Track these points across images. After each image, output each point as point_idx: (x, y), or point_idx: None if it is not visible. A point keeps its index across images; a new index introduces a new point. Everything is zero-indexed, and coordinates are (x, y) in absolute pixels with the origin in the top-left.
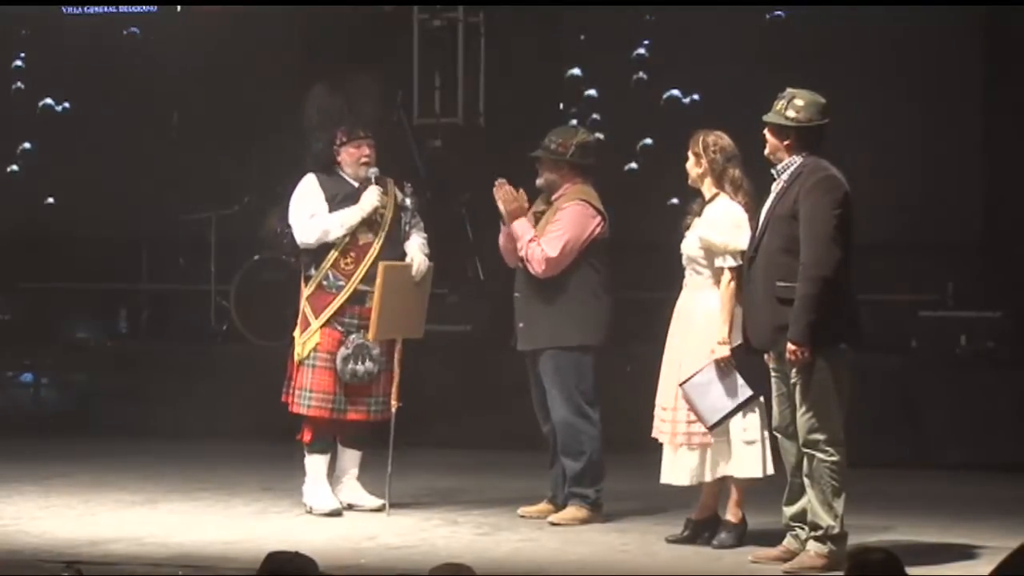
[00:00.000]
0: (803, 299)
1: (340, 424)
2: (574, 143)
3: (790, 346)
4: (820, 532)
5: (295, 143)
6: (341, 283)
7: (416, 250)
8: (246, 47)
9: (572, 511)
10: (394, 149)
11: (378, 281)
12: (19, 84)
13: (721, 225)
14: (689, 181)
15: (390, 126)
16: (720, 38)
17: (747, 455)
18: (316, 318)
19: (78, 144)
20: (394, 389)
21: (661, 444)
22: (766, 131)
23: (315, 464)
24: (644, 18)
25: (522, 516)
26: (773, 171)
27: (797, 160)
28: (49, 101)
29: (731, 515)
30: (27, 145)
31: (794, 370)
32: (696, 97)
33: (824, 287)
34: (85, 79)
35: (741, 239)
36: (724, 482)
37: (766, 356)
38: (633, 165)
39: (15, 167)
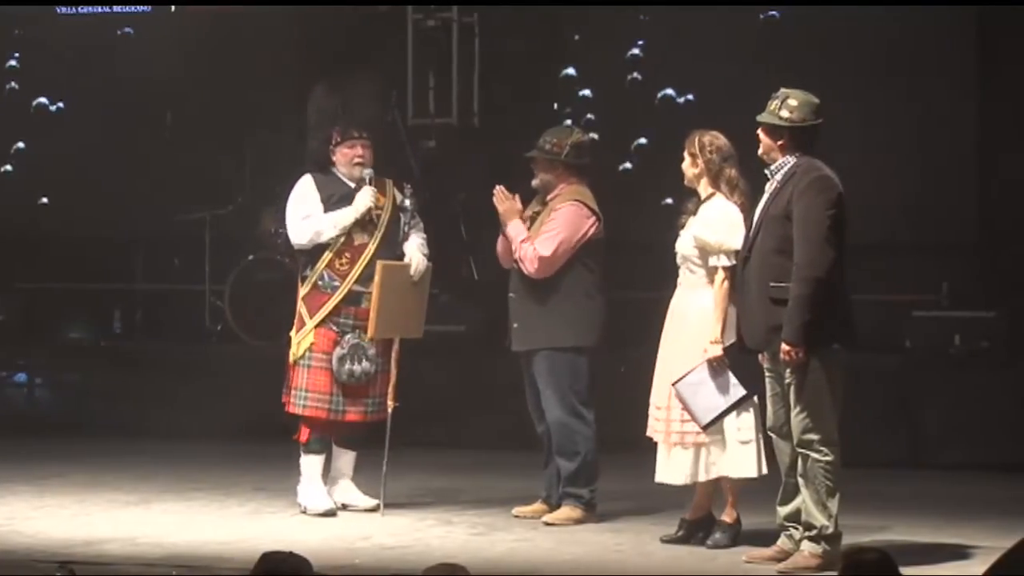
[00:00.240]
0: (797, 299)
1: (337, 424)
2: (569, 143)
3: (784, 346)
4: (814, 532)
5: (290, 143)
6: (336, 283)
7: (415, 250)
8: (240, 47)
9: (566, 511)
10: (389, 149)
11: (376, 280)
12: (13, 84)
13: (716, 224)
14: (685, 181)
15: (385, 127)
16: (714, 38)
17: (742, 455)
18: (311, 318)
19: (72, 144)
20: (391, 389)
21: (655, 443)
22: (760, 131)
23: (311, 464)
24: (639, 18)
25: (517, 516)
26: (767, 171)
27: (791, 160)
28: (43, 101)
29: (726, 515)
30: (21, 145)
31: (788, 370)
32: (690, 97)
33: (818, 287)
34: (79, 79)
35: (736, 239)
36: (718, 482)
37: (760, 356)
38: (628, 165)
39: (9, 167)
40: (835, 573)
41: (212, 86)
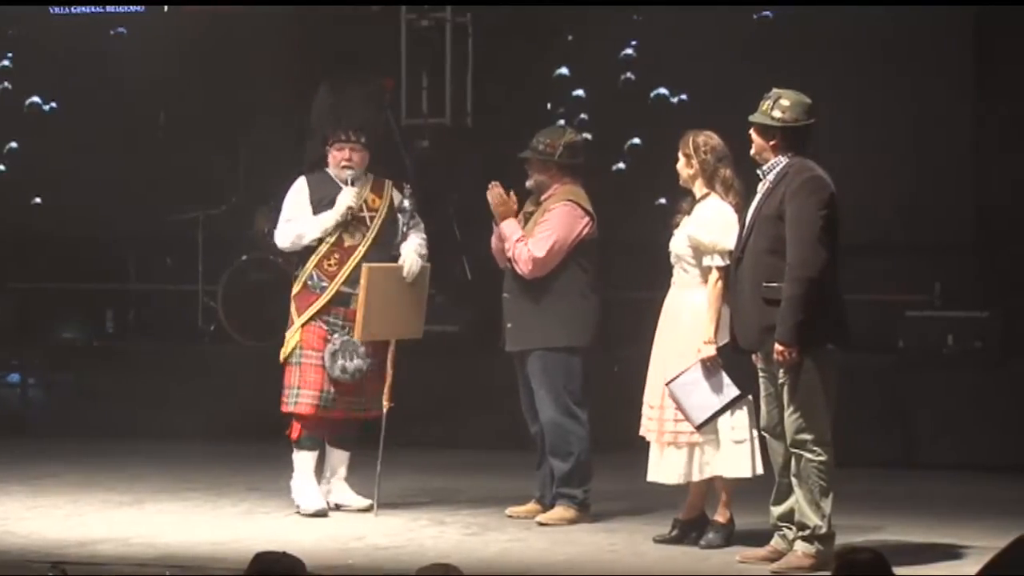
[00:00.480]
0: (790, 300)
1: (328, 422)
2: (562, 143)
3: (777, 347)
4: (808, 532)
5: (283, 143)
6: (324, 284)
7: (410, 251)
8: (233, 47)
9: (560, 511)
10: (382, 150)
11: (361, 283)
12: (6, 84)
13: (710, 224)
14: (680, 182)
15: (379, 130)
16: (708, 38)
17: (736, 455)
18: (300, 316)
19: (65, 144)
20: (386, 389)
21: (648, 443)
22: (752, 131)
23: (302, 461)
24: (632, 18)
25: (510, 516)
26: (759, 171)
27: (783, 160)
28: (36, 100)
29: (719, 515)
30: (14, 145)
31: (781, 370)
32: (684, 97)
33: (810, 288)
34: (72, 79)
35: (730, 239)
36: (712, 482)
37: (754, 356)
38: (621, 165)
39: (2, 167)
40: (828, 573)
41: (205, 86)
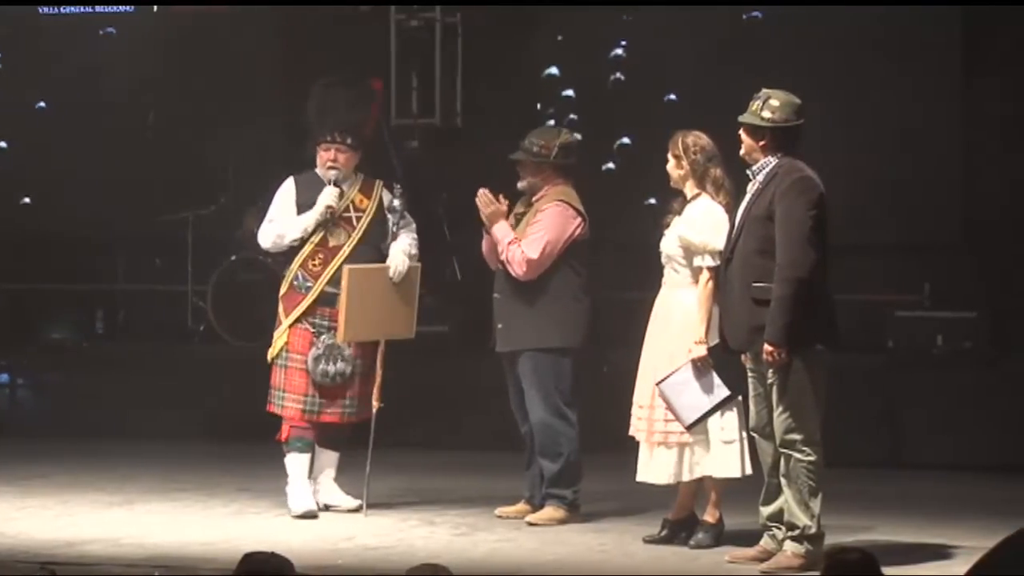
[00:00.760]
0: (779, 300)
1: (317, 425)
2: (557, 144)
3: (767, 347)
4: (797, 532)
5: (273, 143)
6: (309, 284)
7: (397, 251)
8: (222, 47)
9: (550, 511)
10: (371, 150)
11: (343, 284)
12: None
13: (701, 224)
14: (671, 183)
15: (366, 131)
16: (697, 38)
17: (726, 455)
18: (286, 317)
19: (54, 144)
20: (376, 390)
21: (638, 443)
22: (742, 131)
23: (292, 463)
24: (621, 18)
25: (499, 516)
26: (748, 172)
27: (772, 161)
28: (25, 100)
29: (708, 515)
30: (3, 144)
31: (771, 371)
32: (673, 97)
33: (800, 288)
34: (61, 79)
35: (720, 239)
36: (701, 482)
37: (743, 357)
38: (610, 165)
39: None
40: (818, 573)
41: (194, 86)
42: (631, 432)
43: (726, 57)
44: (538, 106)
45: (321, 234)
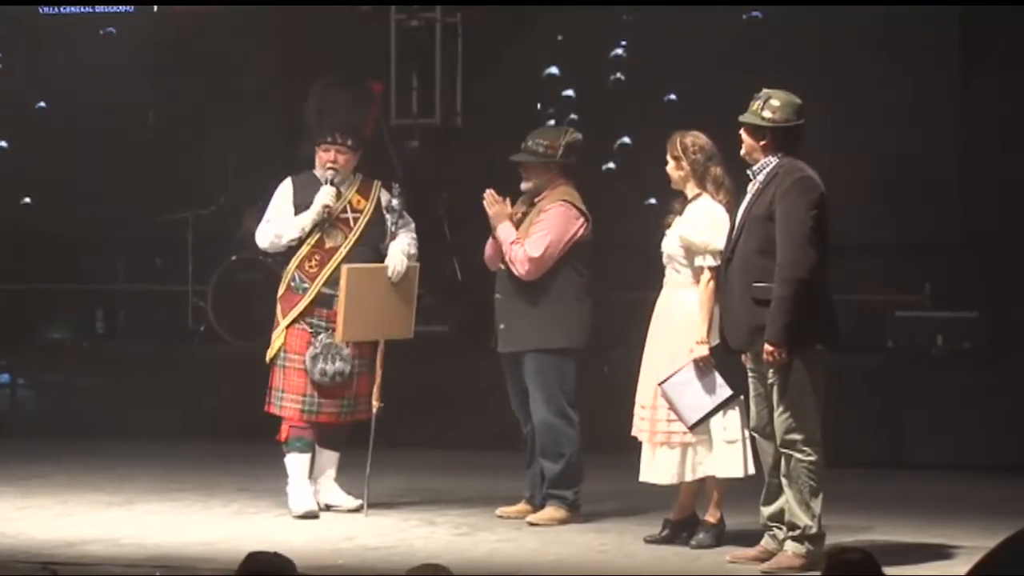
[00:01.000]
0: (779, 300)
1: (317, 425)
2: (562, 144)
3: (767, 347)
4: (798, 532)
5: (273, 143)
6: (306, 285)
7: (396, 251)
8: (222, 47)
9: (551, 511)
10: (371, 150)
11: (341, 284)
12: None
13: (701, 224)
14: (672, 184)
15: (365, 132)
16: (697, 38)
17: (728, 455)
18: (284, 318)
19: (54, 144)
20: (375, 389)
21: (640, 443)
22: (742, 131)
23: (292, 464)
24: (621, 18)
25: (500, 516)
26: (749, 172)
27: (773, 161)
28: (25, 100)
29: (709, 515)
30: (3, 144)
31: (771, 371)
32: (673, 97)
33: (800, 288)
34: (61, 79)
35: (721, 239)
36: (703, 482)
37: (743, 357)
38: (611, 165)
39: None
40: (818, 573)
41: (194, 86)
42: (633, 432)
43: (726, 57)
44: (538, 106)
45: (318, 235)
